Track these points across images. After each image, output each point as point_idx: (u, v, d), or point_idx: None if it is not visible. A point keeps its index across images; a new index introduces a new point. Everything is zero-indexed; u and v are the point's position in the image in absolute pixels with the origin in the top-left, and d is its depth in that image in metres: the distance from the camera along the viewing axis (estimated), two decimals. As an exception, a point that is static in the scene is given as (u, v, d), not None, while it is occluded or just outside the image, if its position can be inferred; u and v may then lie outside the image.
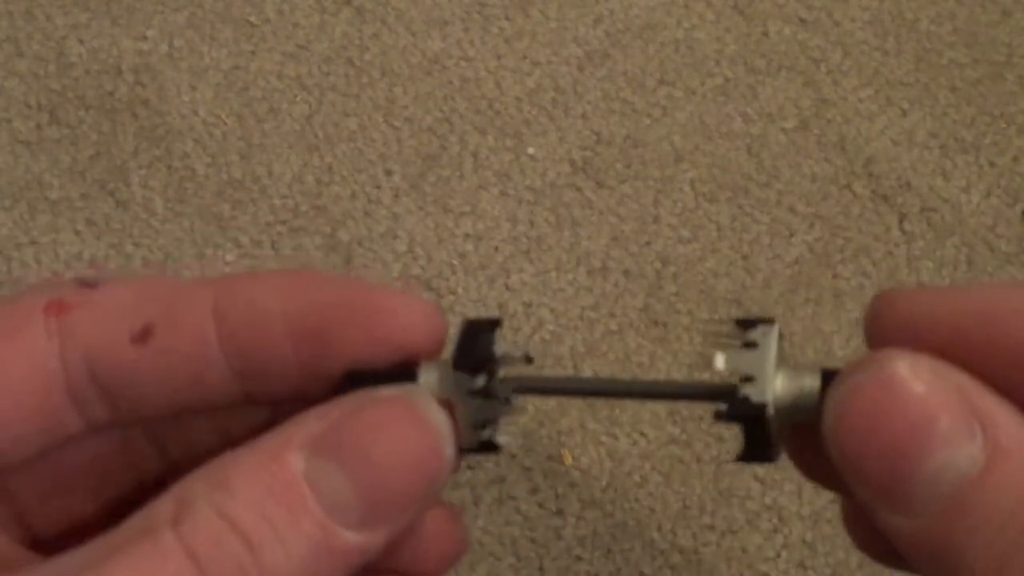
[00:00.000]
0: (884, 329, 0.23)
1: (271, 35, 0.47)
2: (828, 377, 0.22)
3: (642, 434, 0.40)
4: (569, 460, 0.40)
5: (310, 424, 0.22)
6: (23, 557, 0.24)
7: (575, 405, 0.40)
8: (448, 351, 0.24)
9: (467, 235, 0.43)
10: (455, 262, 0.43)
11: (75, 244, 0.43)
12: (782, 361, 0.23)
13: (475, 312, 0.42)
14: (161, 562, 0.20)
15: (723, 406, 0.22)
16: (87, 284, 0.24)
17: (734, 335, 0.23)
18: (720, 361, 0.22)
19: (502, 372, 0.24)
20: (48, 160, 0.44)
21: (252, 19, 0.47)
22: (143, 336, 0.23)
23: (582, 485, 0.39)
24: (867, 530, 0.23)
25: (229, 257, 0.43)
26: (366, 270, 0.43)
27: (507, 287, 0.43)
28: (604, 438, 0.40)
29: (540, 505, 0.39)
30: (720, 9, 0.48)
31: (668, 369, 0.41)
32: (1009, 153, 0.46)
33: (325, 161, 0.45)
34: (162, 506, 0.21)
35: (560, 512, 0.39)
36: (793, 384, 0.22)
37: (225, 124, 0.45)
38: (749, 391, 0.22)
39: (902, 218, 0.44)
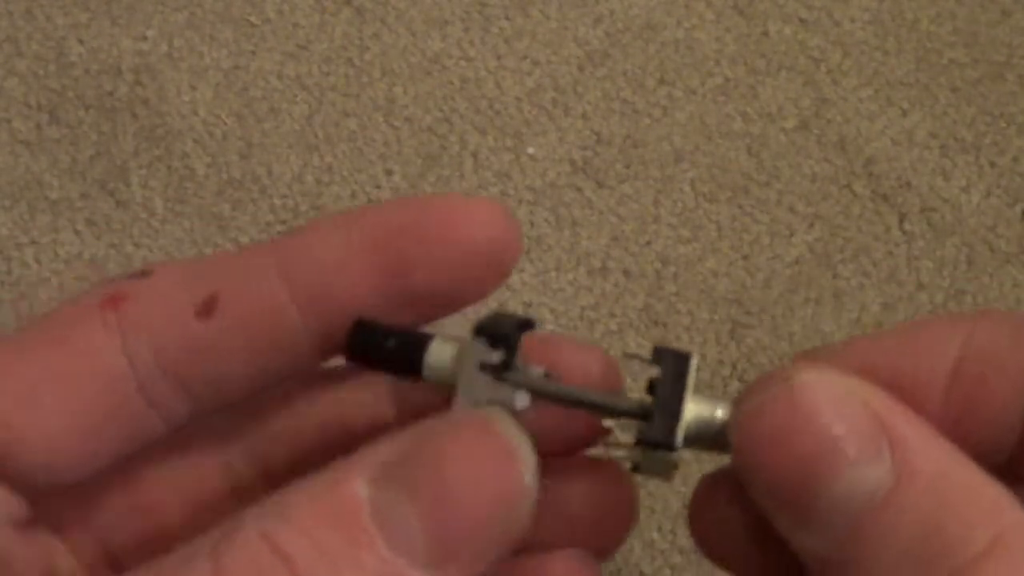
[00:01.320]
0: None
1: (271, 35, 0.47)
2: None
3: (642, 434, 0.40)
4: (569, 460, 0.40)
5: (378, 449, 0.20)
6: None
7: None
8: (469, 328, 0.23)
9: (467, 235, 0.43)
10: (455, 262, 0.43)
11: (75, 244, 0.43)
12: (696, 390, 0.23)
13: (473, 311, 0.42)
14: None
15: (638, 433, 0.22)
16: (139, 274, 0.22)
17: (652, 363, 0.23)
18: (634, 395, 0.22)
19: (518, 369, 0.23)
20: (48, 160, 0.44)
21: (252, 19, 0.47)
22: (208, 308, 0.21)
23: (582, 485, 0.39)
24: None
25: (229, 257, 0.43)
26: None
27: (507, 287, 0.43)
28: (604, 438, 0.40)
29: (540, 505, 0.39)
30: (720, 9, 0.48)
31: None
32: (1009, 153, 0.46)
33: (325, 161, 0.45)
34: (209, 534, 0.19)
35: (560, 512, 0.39)
36: (705, 414, 0.22)
37: (225, 124, 0.45)
38: (660, 424, 0.22)
39: (902, 218, 0.44)
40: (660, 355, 0.23)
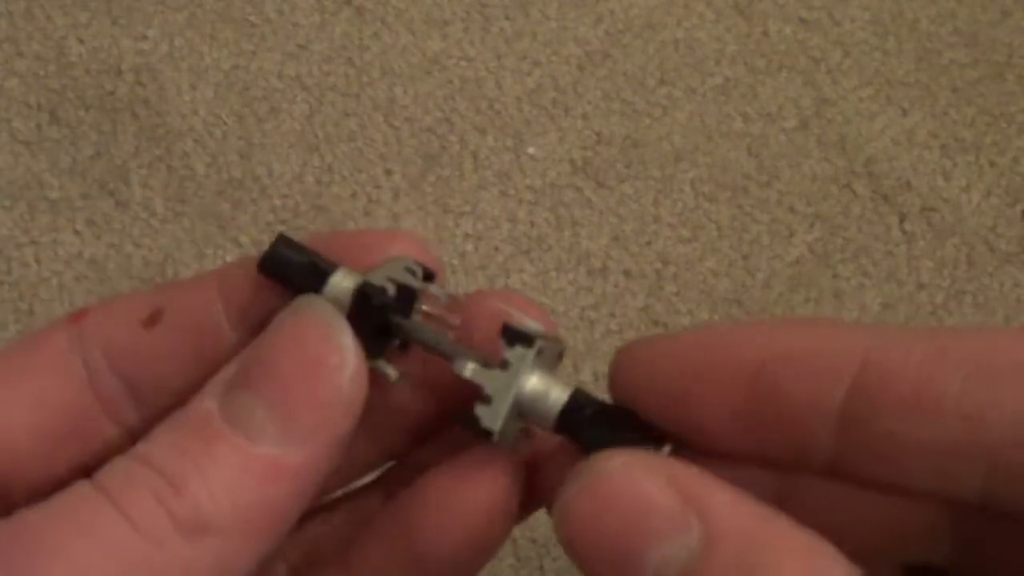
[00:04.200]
0: (625, 385, 0.24)
1: (271, 35, 0.47)
2: (575, 397, 0.23)
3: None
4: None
5: (222, 372, 0.22)
6: None
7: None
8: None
9: (467, 235, 0.43)
10: (455, 262, 0.43)
11: (75, 244, 0.43)
12: (547, 367, 0.24)
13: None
14: (74, 503, 0.21)
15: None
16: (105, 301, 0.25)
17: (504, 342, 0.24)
18: (467, 370, 0.23)
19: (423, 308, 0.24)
20: (48, 160, 0.44)
21: (252, 19, 0.47)
22: (153, 320, 0.24)
23: (582, 485, 0.39)
24: None
25: (229, 257, 0.43)
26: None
27: (507, 287, 0.43)
28: (604, 438, 0.40)
29: (540, 505, 0.39)
30: (720, 9, 0.48)
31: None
32: (1009, 153, 0.46)
33: (325, 161, 0.45)
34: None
35: (560, 512, 0.39)
36: (541, 391, 0.23)
37: (225, 124, 0.45)
38: (481, 413, 0.23)
39: (902, 218, 0.44)
40: (506, 336, 0.23)
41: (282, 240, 0.24)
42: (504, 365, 0.23)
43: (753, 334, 0.22)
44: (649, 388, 0.23)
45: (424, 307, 0.24)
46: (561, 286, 0.43)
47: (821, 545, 0.20)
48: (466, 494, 0.23)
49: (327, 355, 0.22)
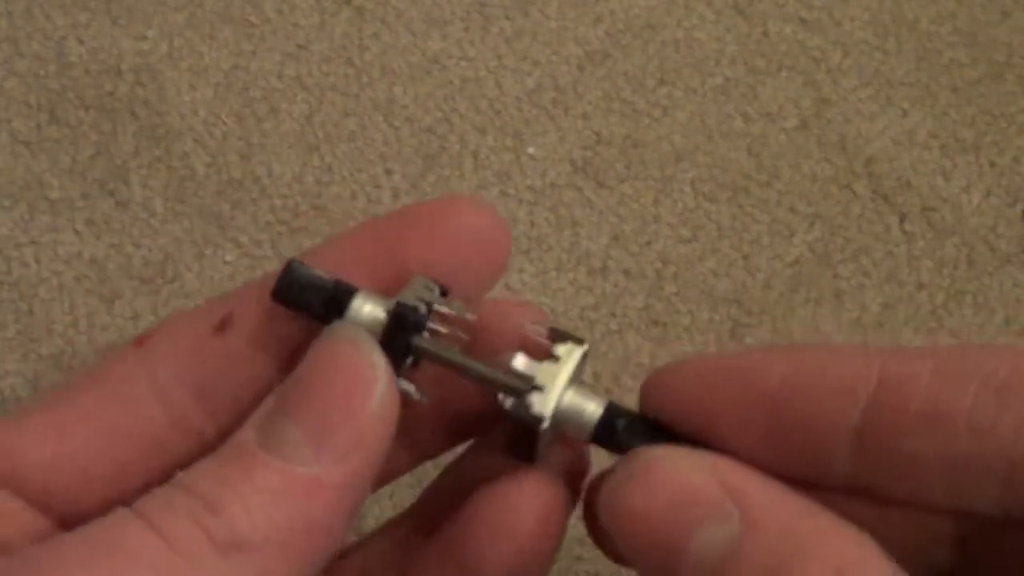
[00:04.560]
0: (655, 409, 0.25)
1: (271, 35, 0.47)
2: (610, 409, 0.24)
3: (642, 434, 0.40)
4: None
5: (261, 406, 0.23)
6: None
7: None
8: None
9: (467, 235, 0.43)
10: (455, 262, 0.43)
11: (75, 244, 0.43)
12: (578, 379, 0.25)
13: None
14: (109, 525, 0.21)
15: (509, 402, 0.24)
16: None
17: (546, 342, 0.25)
18: (520, 362, 0.24)
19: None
20: (48, 160, 0.44)
21: (252, 19, 0.47)
22: (223, 325, 0.24)
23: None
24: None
25: (229, 257, 0.43)
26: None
27: (507, 287, 0.43)
28: (604, 438, 0.40)
29: (540, 505, 0.39)
30: (720, 9, 0.48)
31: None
32: (1009, 153, 0.46)
33: (325, 161, 0.45)
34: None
35: (560, 512, 0.39)
36: (577, 403, 0.24)
37: (225, 124, 0.45)
38: (534, 400, 0.24)
39: (902, 218, 0.44)
40: (554, 336, 0.25)
41: (294, 267, 0.24)
42: (554, 359, 0.24)
43: (773, 359, 0.23)
44: (677, 411, 0.24)
45: (434, 325, 0.25)
46: (561, 286, 0.43)
47: (856, 534, 0.21)
48: (518, 510, 0.24)
49: (359, 374, 0.22)
